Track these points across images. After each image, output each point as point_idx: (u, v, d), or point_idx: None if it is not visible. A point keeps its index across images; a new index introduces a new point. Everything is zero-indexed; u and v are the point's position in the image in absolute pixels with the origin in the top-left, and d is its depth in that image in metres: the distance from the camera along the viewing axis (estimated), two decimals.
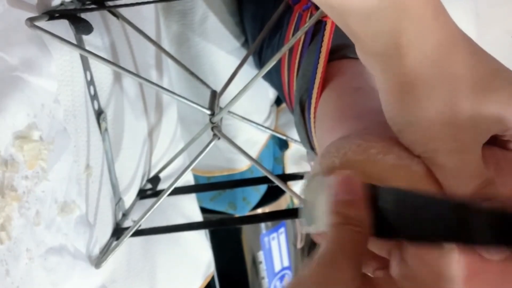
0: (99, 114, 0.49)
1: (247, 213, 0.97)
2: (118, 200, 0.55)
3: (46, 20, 0.41)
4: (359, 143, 0.30)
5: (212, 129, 0.46)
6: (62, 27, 0.42)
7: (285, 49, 0.40)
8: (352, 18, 0.26)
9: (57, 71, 0.42)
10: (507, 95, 0.27)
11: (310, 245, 1.27)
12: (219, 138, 0.46)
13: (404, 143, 0.29)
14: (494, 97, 0.27)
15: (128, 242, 0.50)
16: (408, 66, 0.26)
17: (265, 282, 1.05)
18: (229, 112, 0.63)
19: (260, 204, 0.99)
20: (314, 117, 0.43)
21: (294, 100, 0.48)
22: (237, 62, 0.51)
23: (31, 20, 0.38)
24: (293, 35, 0.47)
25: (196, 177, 0.87)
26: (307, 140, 0.47)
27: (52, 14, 0.42)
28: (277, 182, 0.46)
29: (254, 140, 0.90)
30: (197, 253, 0.72)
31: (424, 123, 0.27)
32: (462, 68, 0.27)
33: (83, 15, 0.45)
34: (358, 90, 0.40)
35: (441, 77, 0.26)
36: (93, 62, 0.47)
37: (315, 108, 0.42)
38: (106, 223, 0.52)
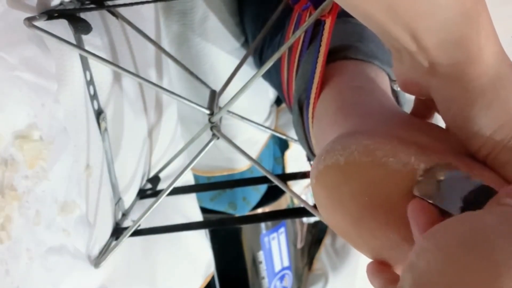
0: (99, 114, 0.49)
1: (247, 213, 0.97)
2: (117, 200, 0.55)
3: (45, 20, 0.41)
4: (367, 144, 0.30)
5: (211, 128, 0.46)
6: (61, 27, 0.42)
7: (283, 48, 0.40)
8: (425, 32, 0.27)
9: (57, 71, 0.42)
10: None
11: (310, 245, 1.27)
12: (218, 138, 0.46)
13: (470, 150, 0.30)
14: None
15: (128, 242, 0.50)
16: (476, 73, 0.28)
17: (265, 282, 1.05)
18: (229, 111, 0.63)
19: (260, 204, 0.99)
20: (313, 117, 0.43)
21: (293, 100, 0.48)
22: (237, 62, 0.51)
23: (29, 20, 0.38)
24: (292, 35, 0.47)
25: (196, 177, 0.87)
26: (305, 140, 0.47)
27: (51, 14, 0.42)
28: (277, 182, 0.46)
29: (254, 140, 0.90)
30: (197, 253, 0.72)
31: (489, 130, 0.28)
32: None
33: (82, 15, 0.45)
34: (359, 89, 0.39)
35: (501, 83, 0.28)
36: (92, 62, 0.47)
37: (314, 108, 0.42)
38: (105, 223, 0.52)
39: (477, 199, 0.27)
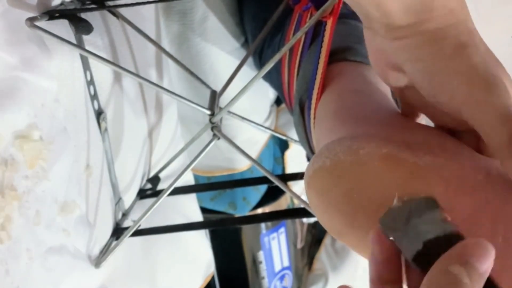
0: (99, 114, 0.49)
1: (247, 213, 0.97)
2: (118, 200, 0.55)
3: (46, 20, 0.41)
4: (350, 144, 0.31)
5: (212, 129, 0.46)
6: (62, 27, 0.42)
7: (284, 49, 0.40)
8: None
9: (57, 71, 0.42)
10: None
11: (310, 245, 1.27)
12: (218, 138, 0.46)
13: (441, 108, 0.30)
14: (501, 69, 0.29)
15: (128, 242, 0.50)
16: (440, 27, 0.28)
17: (265, 282, 1.05)
18: (229, 112, 0.63)
19: (260, 204, 0.99)
20: (314, 118, 0.43)
21: (294, 101, 0.49)
22: (237, 62, 0.51)
23: (30, 20, 0.38)
24: (293, 35, 0.47)
25: (196, 177, 0.87)
26: (306, 140, 0.47)
27: (52, 14, 0.42)
28: (277, 182, 0.46)
29: (255, 140, 0.90)
30: (197, 253, 0.72)
31: (460, 86, 0.28)
32: (473, 26, 0.29)
33: (83, 15, 0.45)
34: (358, 93, 0.40)
35: (466, 35, 0.29)
36: (93, 62, 0.47)
37: (315, 109, 0.42)
38: (106, 223, 0.52)
39: (439, 248, 0.25)
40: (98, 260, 0.48)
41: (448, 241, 0.25)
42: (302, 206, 0.46)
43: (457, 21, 0.29)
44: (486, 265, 0.23)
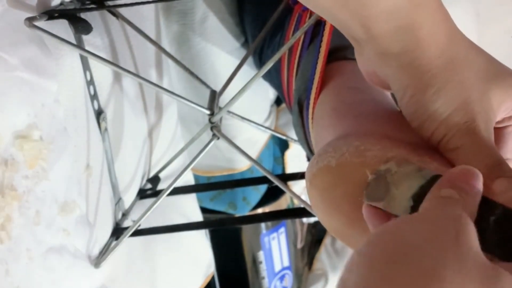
0: (99, 114, 0.49)
1: (247, 213, 0.97)
2: (117, 200, 0.55)
3: (46, 20, 0.41)
4: (357, 145, 0.30)
5: (212, 129, 0.46)
6: (62, 27, 0.42)
7: (284, 49, 0.41)
8: (374, 19, 0.27)
9: (57, 71, 0.42)
10: (506, 84, 0.29)
11: (310, 245, 1.27)
12: (218, 138, 0.46)
13: (423, 135, 0.30)
14: (494, 85, 0.29)
15: (128, 242, 0.50)
16: (428, 58, 0.28)
17: (265, 282, 1.05)
18: (229, 112, 0.63)
19: (260, 204, 0.99)
20: (312, 117, 0.43)
21: (293, 100, 0.49)
22: (237, 62, 0.51)
23: (30, 20, 0.38)
24: (292, 35, 0.47)
25: (196, 177, 0.87)
26: (305, 140, 0.47)
27: (52, 14, 0.42)
28: (277, 182, 0.46)
29: (254, 139, 0.90)
30: (197, 253, 0.72)
31: (443, 114, 0.29)
32: (465, 58, 0.29)
33: (83, 15, 0.45)
34: (357, 90, 0.40)
35: (453, 66, 0.28)
36: (92, 62, 0.47)
37: (313, 108, 0.42)
38: (105, 223, 0.52)
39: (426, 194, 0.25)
40: (98, 260, 0.48)
41: (433, 183, 0.26)
42: (302, 206, 0.46)
43: (448, 58, 0.28)
44: (473, 184, 0.25)
